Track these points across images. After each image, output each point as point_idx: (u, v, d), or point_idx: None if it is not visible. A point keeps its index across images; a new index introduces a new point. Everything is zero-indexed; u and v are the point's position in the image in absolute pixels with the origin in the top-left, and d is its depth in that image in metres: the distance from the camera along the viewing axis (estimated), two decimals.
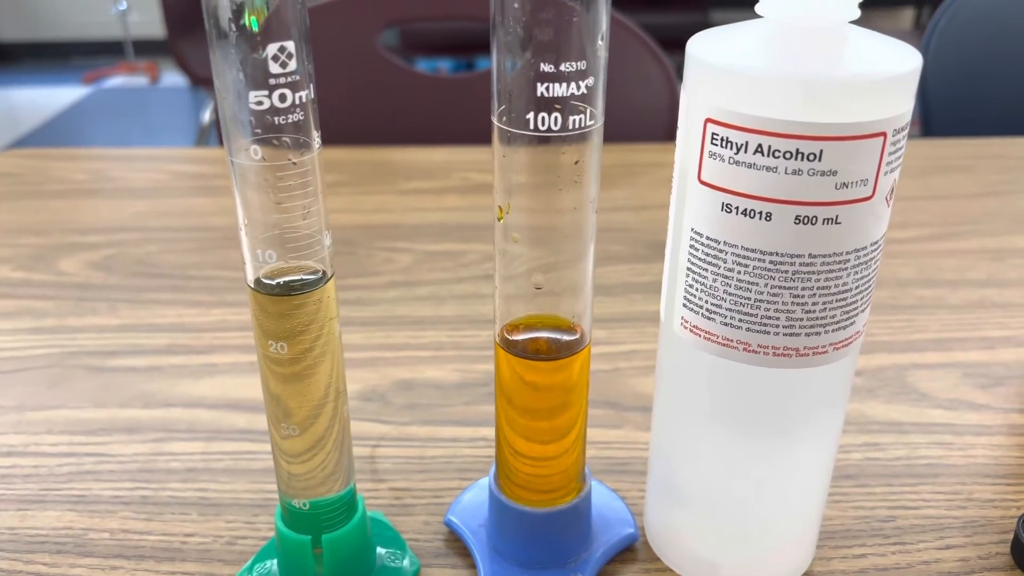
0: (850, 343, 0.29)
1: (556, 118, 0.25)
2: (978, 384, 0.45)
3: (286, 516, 0.32)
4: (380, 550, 0.34)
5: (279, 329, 0.28)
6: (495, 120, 0.26)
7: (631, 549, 0.35)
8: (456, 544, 0.35)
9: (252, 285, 0.28)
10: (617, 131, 0.81)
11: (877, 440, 0.41)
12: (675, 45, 0.53)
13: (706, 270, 0.28)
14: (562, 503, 0.32)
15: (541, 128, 0.25)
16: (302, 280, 0.28)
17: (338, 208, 0.64)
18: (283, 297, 0.27)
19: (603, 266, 0.57)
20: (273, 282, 0.27)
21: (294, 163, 0.26)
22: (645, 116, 0.79)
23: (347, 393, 0.31)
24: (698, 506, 0.32)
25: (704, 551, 0.33)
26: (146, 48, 3.30)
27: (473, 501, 0.36)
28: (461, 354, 0.47)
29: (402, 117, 0.81)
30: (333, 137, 0.77)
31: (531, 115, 0.25)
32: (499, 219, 0.28)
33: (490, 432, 0.41)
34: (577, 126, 0.26)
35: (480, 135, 0.64)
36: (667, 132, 0.79)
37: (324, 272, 0.28)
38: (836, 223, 0.26)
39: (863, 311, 0.28)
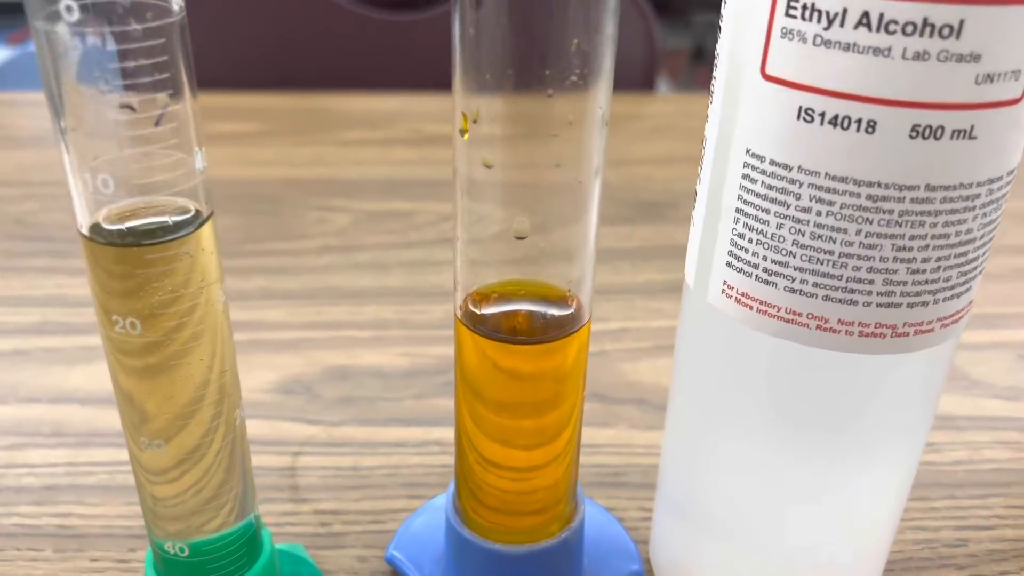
0: (961, 317, 0.20)
1: None
2: None
3: (159, 566, 0.22)
4: None
5: (127, 299, 0.18)
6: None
7: None
8: None
9: (86, 232, 0.18)
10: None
11: (930, 439, 0.33)
12: None
13: (768, 211, 0.19)
14: (547, 538, 0.24)
15: None
16: (161, 224, 0.18)
17: (262, 160, 0.54)
18: (131, 248, 0.18)
19: None
20: (116, 227, 0.18)
21: (137, 29, 0.16)
22: (621, 65, 0.70)
23: (238, 388, 0.21)
24: (731, 535, 0.24)
25: None
26: None
27: (424, 528, 0.27)
28: (410, 334, 0.38)
29: (344, 61, 0.71)
30: (263, 82, 0.67)
31: None
32: (463, 133, 0.19)
33: (448, 434, 0.32)
34: None
35: (434, 82, 0.55)
36: (645, 82, 0.71)
37: (196, 212, 0.19)
38: (970, 137, 0.17)
39: (981, 272, 0.20)
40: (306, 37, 0.71)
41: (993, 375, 0.37)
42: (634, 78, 0.70)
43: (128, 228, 0.18)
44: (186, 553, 0.22)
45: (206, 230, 0.19)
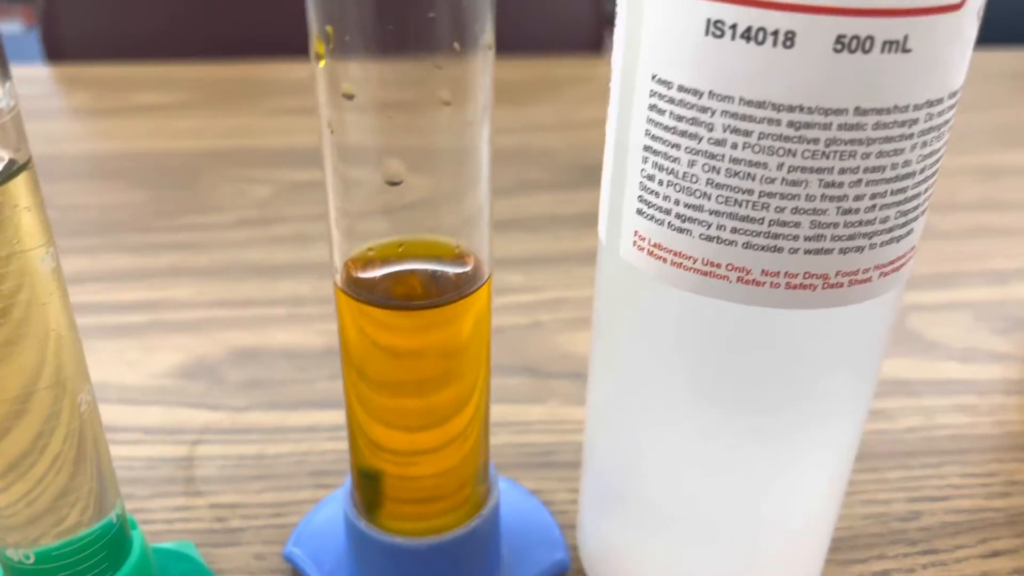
0: (903, 264, 0.18)
1: None
2: (995, 328, 0.35)
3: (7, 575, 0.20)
4: None
5: None
6: None
7: None
8: None
9: None
10: (536, 44, 0.69)
11: (883, 405, 0.31)
12: None
13: (678, 147, 0.16)
14: (454, 527, 0.21)
15: None
16: None
17: (181, 132, 0.51)
18: None
19: (521, 195, 0.45)
20: None
21: None
22: (566, 27, 0.67)
23: (83, 371, 0.18)
24: (659, 518, 0.21)
25: None
26: None
27: (328, 522, 0.25)
28: (328, 310, 0.35)
29: (273, 28, 0.67)
30: (182, 50, 0.63)
31: None
32: (319, 59, 0.16)
33: None
34: None
35: None
36: (591, 43, 0.68)
37: (10, 160, 0.16)
38: (904, 50, 0.15)
39: (923, 213, 0.18)
40: (234, 4, 0.68)
41: (950, 337, 0.35)
42: (580, 40, 0.67)
43: None
44: (31, 560, 0.19)
45: (19, 183, 0.16)
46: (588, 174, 0.48)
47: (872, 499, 0.27)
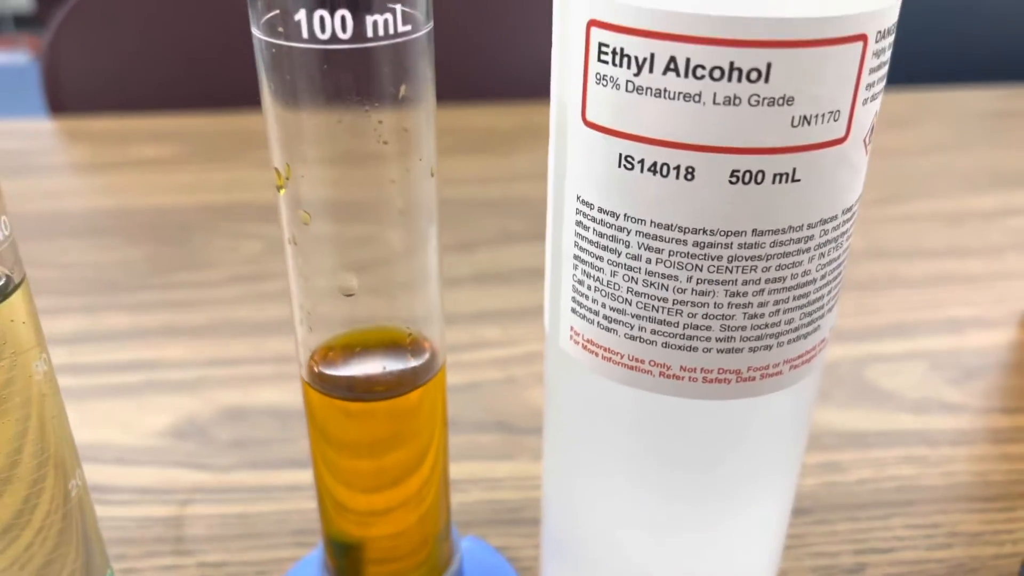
0: (812, 356, 0.20)
1: (344, 19, 0.15)
2: (948, 378, 0.37)
3: None
4: None
5: None
6: (254, 30, 0.16)
7: None
8: None
9: None
10: (516, 89, 0.71)
11: (836, 458, 0.32)
12: None
13: (601, 259, 0.18)
14: None
15: (321, 36, 0.16)
16: None
17: (175, 186, 0.53)
18: None
19: (501, 248, 0.47)
20: None
21: None
22: (548, 71, 0.69)
23: (73, 459, 0.20)
24: (607, 574, 0.23)
25: None
26: (27, 23, 3.05)
27: None
28: None
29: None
30: (179, 103, 0.65)
31: (303, 16, 0.15)
32: (279, 188, 0.18)
33: None
34: (385, 32, 0.16)
35: None
36: None
37: (6, 277, 0.18)
38: (793, 180, 0.17)
39: (830, 310, 0.19)
40: (231, 58, 0.70)
41: (905, 387, 0.36)
42: None
43: None
44: None
45: (16, 299, 0.18)
46: None
47: (821, 551, 0.29)
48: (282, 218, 0.18)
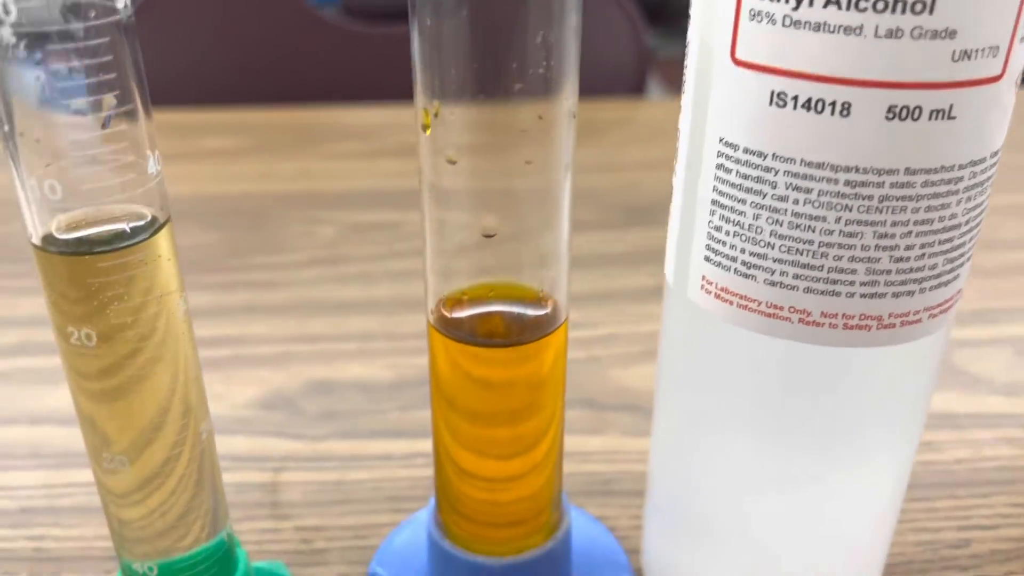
0: (950, 306, 0.19)
1: None
2: None
3: None
4: None
5: (81, 311, 0.18)
6: None
7: None
8: None
9: (37, 243, 0.18)
10: (580, 88, 0.71)
11: (930, 438, 0.32)
12: None
13: (743, 202, 0.18)
14: (531, 548, 0.23)
15: None
16: (116, 232, 0.18)
17: (246, 175, 0.53)
18: (83, 257, 0.17)
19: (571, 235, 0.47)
20: (68, 236, 0.17)
21: (79, 28, 0.15)
22: (610, 71, 0.69)
23: (204, 401, 0.21)
24: (722, 541, 0.23)
25: None
26: None
27: (408, 544, 0.27)
28: (396, 345, 0.37)
29: (331, 76, 0.71)
30: (250, 98, 0.66)
31: None
32: (425, 128, 0.18)
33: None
34: None
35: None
36: (634, 87, 0.70)
37: (153, 218, 0.18)
38: (949, 117, 0.17)
39: (968, 259, 0.19)
40: (293, 53, 0.71)
41: (993, 371, 0.36)
42: (624, 84, 0.70)
43: (80, 237, 0.17)
44: (155, 573, 0.21)
45: (162, 236, 0.18)
46: (632, 215, 0.50)
47: (922, 527, 0.28)
48: (422, 161, 0.19)
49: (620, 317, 0.40)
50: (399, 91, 0.66)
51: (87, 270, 0.17)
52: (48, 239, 0.17)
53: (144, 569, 0.21)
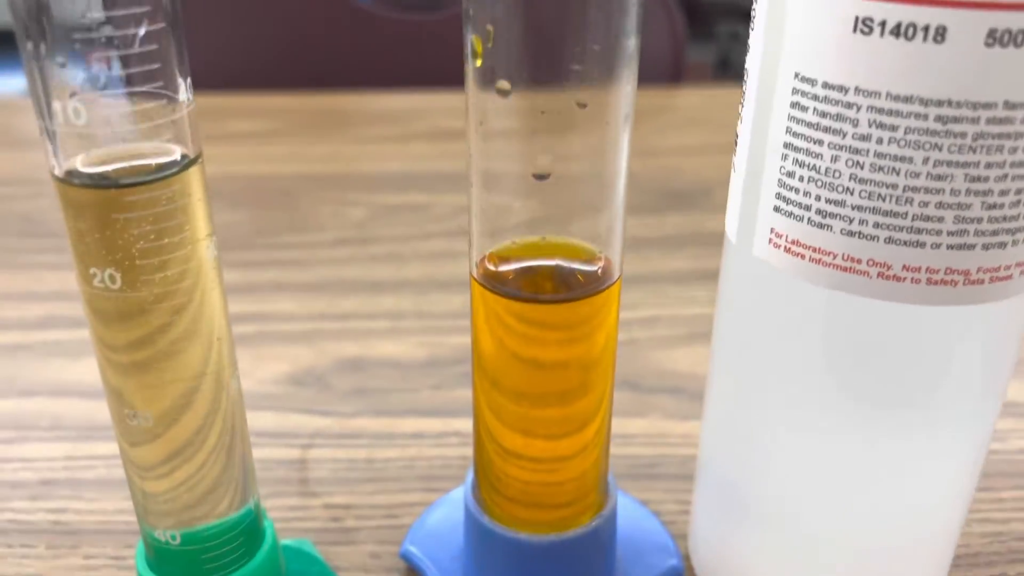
0: None
1: None
2: None
3: (150, 555, 0.20)
4: None
5: (104, 245, 0.16)
6: None
7: None
8: None
9: (60, 176, 0.16)
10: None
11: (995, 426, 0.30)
12: None
13: (821, 143, 0.17)
14: (576, 527, 0.21)
15: None
16: (142, 166, 0.16)
17: (277, 157, 0.53)
18: (107, 190, 0.16)
19: None
20: (93, 170, 0.16)
21: None
22: (646, 59, 0.68)
23: (234, 360, 0.19)
24: (779, 525, 0.21)
25: None
26: None
27: (442, 523, 0.25)
28: (428, 324, 0.36)
29: (362, 62, 0.70)
30: (281, 83, 0.66)
31: None
32: (476, 59, 0.17)
33: (466, 425, 0.30)
34: None
35: (452, 81, 0.53)
36: (670, 76, 0.69)
37: (183, 155, 0.17)
38: None
39: None
40: (324, 39, 0.70)
41: None
42: (660, 71, 0.68)
43: (105, 172, 0.16)
44: (177, 541, 0.20)
45: (192, 174, 0.17)
46: (672, 199, 0.48)
47: (989, 518, 0.26)
48: (469, 94, 0.17)
49: (659, 300, 0.38)
50: (430, 78, 0.65)
51: (112, 204, 0.16)
52: (72, 173, 0.16)
53: (166, 538, 0.20)
